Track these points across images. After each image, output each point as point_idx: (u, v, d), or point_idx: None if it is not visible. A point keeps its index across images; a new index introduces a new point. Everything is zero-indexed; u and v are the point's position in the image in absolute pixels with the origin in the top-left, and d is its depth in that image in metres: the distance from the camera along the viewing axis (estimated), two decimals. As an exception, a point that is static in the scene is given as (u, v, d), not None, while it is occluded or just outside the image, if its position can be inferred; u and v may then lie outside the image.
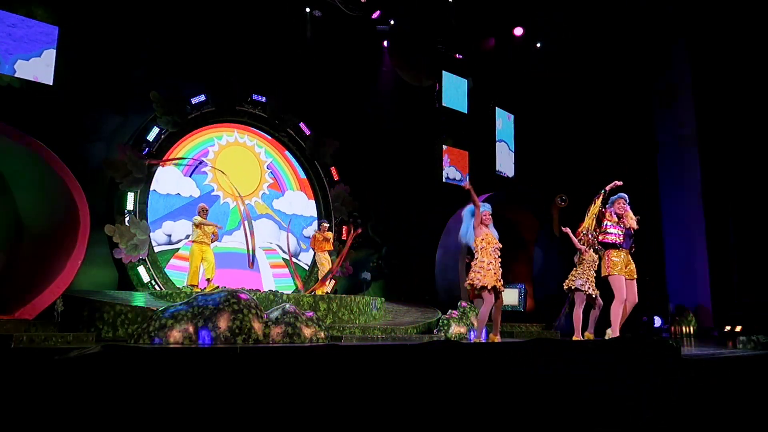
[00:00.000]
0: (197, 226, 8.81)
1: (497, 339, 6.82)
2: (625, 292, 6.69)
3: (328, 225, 10.66)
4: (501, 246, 6.71)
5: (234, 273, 10.32)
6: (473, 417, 4.11)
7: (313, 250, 10.35)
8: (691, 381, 5.43)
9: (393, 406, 3.71)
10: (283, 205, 11.59)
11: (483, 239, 6.61)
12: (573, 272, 7.86)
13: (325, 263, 10.16)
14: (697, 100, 12.95)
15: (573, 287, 7.72)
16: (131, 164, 9.22)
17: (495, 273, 6.55)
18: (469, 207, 6.82)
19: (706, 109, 12.79)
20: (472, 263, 6.70)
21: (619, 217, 6.82)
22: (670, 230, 12.95)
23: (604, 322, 7.74)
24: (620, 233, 6.82)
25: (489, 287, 6.47)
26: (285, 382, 3.49)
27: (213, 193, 10.56)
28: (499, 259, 6.66)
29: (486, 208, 6.75)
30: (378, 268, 12.36)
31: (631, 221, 6.80)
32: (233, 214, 10.74)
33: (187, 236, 9.93)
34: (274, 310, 6.16)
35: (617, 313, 6.70)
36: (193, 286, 8.76)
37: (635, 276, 6.82)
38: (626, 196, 6.91)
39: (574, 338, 7.59)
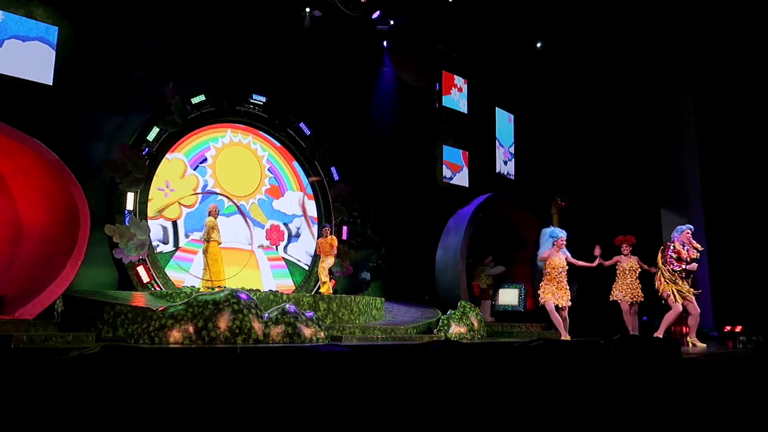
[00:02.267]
0: (211, 228, 8.87)
1: (567, 337, 8.17)
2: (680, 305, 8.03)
3: (329, 229, 10.64)
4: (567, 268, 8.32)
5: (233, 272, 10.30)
6: (473, 416, 4.11)
7: (320, 255, 10.32)
8: (691, 381, 5.43)
9: (393, 406, 3.71)
10: (283, 205, 11.58)
11: (552, 261, 8.18)
12: (623, 285, 8.86)
13: (325, 268, 10.14)
14: (698, 99, 12.94)
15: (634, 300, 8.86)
16: (131, 164, 9.21)
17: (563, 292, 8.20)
18: (551, 230, 8.36)
19: (706, 108, 12.79)
20: (543, 281, 8.30)
21: (683, 245, 8.10)
22: (669, 230, 12.92)
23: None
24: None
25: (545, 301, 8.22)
26: (285, 382, 3.49)
27: (210, 189, 10.56)
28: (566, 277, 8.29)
29: (563, 234, 8.27)
30: (378, 268, 12.35)
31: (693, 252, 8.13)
32: (228, 212, 10.77)
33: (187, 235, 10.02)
34: (274, 310, 6.16)
35: (669, 320, 8.13)
36: (217, 286, 8.64)
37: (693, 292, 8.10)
38: (692, 227, 8.33)
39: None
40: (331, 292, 10.08)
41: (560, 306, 8.21)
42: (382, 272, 12.38)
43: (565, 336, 8.27)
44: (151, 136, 9.63)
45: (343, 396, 3.61)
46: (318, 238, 10.72)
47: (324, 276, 10.13)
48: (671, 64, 13.28)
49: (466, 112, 13.71)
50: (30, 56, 8.40)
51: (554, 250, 8.22)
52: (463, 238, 11.48)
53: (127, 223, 9.13)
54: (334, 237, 10.36)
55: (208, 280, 8.82)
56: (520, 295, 12.28)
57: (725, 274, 12.19)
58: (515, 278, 12.68)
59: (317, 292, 10.37)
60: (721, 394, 5.46)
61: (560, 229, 8.42)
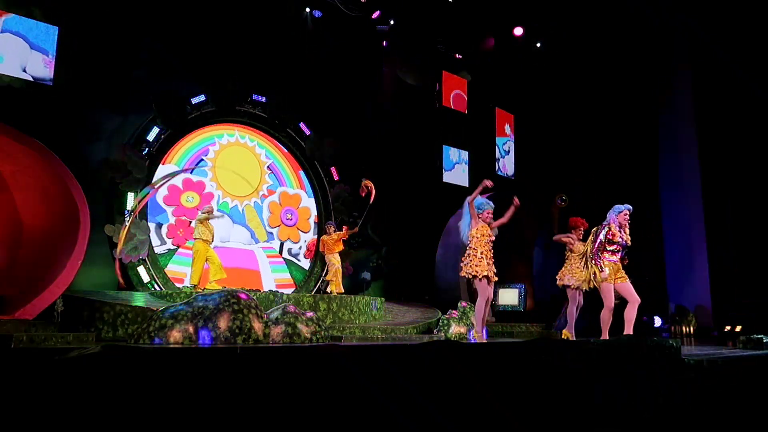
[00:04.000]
0: (201, 222, 8.85)
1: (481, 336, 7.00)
2: (613, 299, 6.80)
3: (334, 227, 10.64)
4: (493, 239, 6.94)
5: (234, 272, 10.31)
6: (473, 416, 4.11)
7: (323, 252, 10.36)
8: (691, 381, 5.43)
9: (393, 406, 3.71)
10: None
11: (478, 230, 6.80)
12: (563, 269, 8.11)
13: (336, 263, 10.15)
14: (698, 99, 12.95)
15: (563, 285, 8.01)
16: (131, 164, 9.22)
17: (488, 263, 6.75)
18: (476, 200, 6.95)
19: (706, 109, 12.80)
20: (465, 254, 6.89)
21: (620, 228, 6.91)
22: (670, 230, 12.94)
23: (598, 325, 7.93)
24: (619, 247, 6.92)
25: (480, 276, 6.71)
26: (285, 382, 3.49)
27: (210, 191, 10.55)
28: (492, 251, 6.86)
29: (488, 207, 6.90)
30: (378, 268, 12.35)
31: (627, 236, 6.94)
32: (231, 214, 10.76)
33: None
34: (274, 310, 6.16)
35: (606, 320, 6.85)
36: (195, 285, 8.71)
37: (626, 279, 6.86)
38: (631, 207, 7.01)
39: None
40: (342, 290, 10.04)
41: (490, 280, 6.80)
42: (382, 272, 12.37)
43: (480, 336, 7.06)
44: (151, 136, 9.64)
45: (343, 396, 3.61)
46: (321, 236, 10.72)
47: (332, 274, 10.12)
48: (671, 64, 13.30)
49: (465, 112, 13.72)
50: (29, 56, 8.40)
51: (476, 219, 6.89)
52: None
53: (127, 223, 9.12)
54: (339, 232, 10.37)
55: (211, 282, 8.82)
56: (520, 295, 12.27)
57: (725, 274, 12.20)
58: (515, 278, 12.68)
59: (325, 291, 10.35)
60: (721, 394, 5.46)
61: (489, 202, 7.01)
